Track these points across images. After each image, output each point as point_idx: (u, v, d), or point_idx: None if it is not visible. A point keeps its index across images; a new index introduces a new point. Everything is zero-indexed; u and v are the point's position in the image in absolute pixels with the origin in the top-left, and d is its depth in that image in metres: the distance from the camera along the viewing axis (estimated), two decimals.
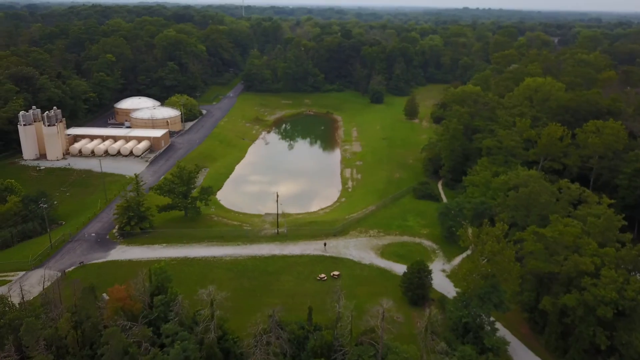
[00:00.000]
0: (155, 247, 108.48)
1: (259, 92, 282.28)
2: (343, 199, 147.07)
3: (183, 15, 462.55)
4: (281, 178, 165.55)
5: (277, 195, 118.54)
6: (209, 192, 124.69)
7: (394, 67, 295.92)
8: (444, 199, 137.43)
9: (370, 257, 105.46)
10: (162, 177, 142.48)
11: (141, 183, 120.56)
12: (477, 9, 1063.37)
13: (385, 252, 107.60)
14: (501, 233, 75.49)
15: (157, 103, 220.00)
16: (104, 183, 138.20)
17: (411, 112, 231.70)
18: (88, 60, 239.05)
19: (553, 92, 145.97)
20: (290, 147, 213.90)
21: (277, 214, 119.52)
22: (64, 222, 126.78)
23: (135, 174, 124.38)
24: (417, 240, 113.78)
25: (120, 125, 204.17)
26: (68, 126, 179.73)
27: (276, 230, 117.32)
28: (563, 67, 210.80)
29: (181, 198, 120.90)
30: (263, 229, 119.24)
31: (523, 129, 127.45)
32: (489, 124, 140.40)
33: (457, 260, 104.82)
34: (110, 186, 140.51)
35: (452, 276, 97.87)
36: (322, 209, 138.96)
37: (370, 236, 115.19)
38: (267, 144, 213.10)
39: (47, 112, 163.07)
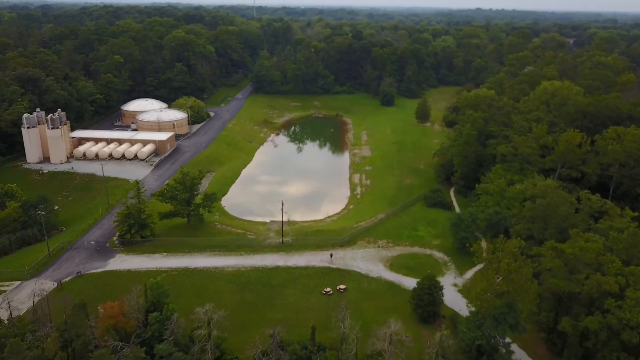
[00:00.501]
0: (156, 257, 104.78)
1: (268, 94, 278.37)
2: (351, 206, 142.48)
3: (194, 15, 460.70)
4: (288, 183, 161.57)
5: (282, 204, 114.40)
6: (212, 199, 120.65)
7: (405, 68, 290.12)
8: (456, 207, 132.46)
9: (378, 270, 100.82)
10: (166, 182, 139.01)
11: (143, 189, 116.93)
12: (490, 9, 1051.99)
13: (395, 265, 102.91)
14: (517, 250, 70.54)
15: (164, 105, 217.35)
16: (106, 188, 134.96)
17: (423, 115, 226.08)
18: (96, 62, 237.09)
19: (571, 97, 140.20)
20: (299, 150, 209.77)
21: (282, 222, 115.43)
22: (64, 228, 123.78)
23: (136, 180, 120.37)
24: (428, 251, 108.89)
25: (126, 127, 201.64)
26: (74, 128, 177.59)
27: (281, 240, 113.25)
28: (580, 70, 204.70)
29: (184, 205, 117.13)
30: (268, 238, 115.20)
31: (539, 135, 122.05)
32: (504, 130, 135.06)
33: (470, 273, 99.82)
34: (113, 191, 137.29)
35: (465, 291, 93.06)
36: (329, 217, 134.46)
37: (378, 247, 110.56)
38: (275, 146, 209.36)
39: (51, 114, 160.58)
